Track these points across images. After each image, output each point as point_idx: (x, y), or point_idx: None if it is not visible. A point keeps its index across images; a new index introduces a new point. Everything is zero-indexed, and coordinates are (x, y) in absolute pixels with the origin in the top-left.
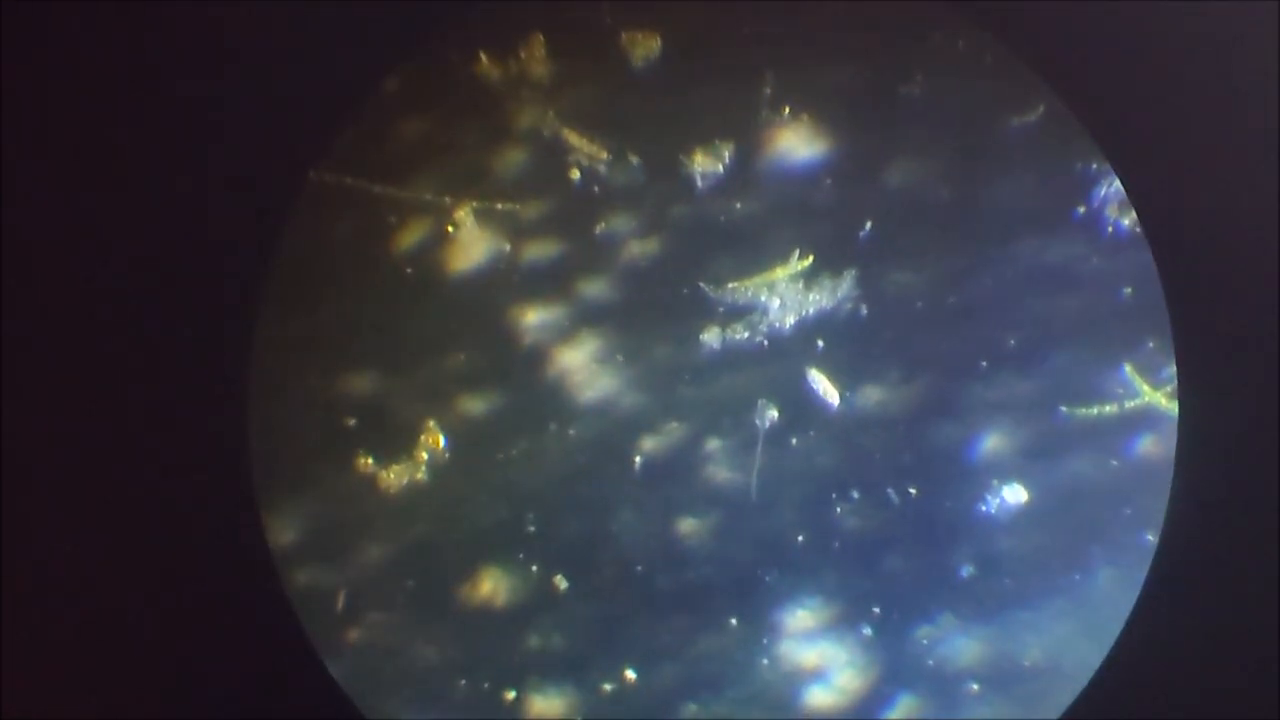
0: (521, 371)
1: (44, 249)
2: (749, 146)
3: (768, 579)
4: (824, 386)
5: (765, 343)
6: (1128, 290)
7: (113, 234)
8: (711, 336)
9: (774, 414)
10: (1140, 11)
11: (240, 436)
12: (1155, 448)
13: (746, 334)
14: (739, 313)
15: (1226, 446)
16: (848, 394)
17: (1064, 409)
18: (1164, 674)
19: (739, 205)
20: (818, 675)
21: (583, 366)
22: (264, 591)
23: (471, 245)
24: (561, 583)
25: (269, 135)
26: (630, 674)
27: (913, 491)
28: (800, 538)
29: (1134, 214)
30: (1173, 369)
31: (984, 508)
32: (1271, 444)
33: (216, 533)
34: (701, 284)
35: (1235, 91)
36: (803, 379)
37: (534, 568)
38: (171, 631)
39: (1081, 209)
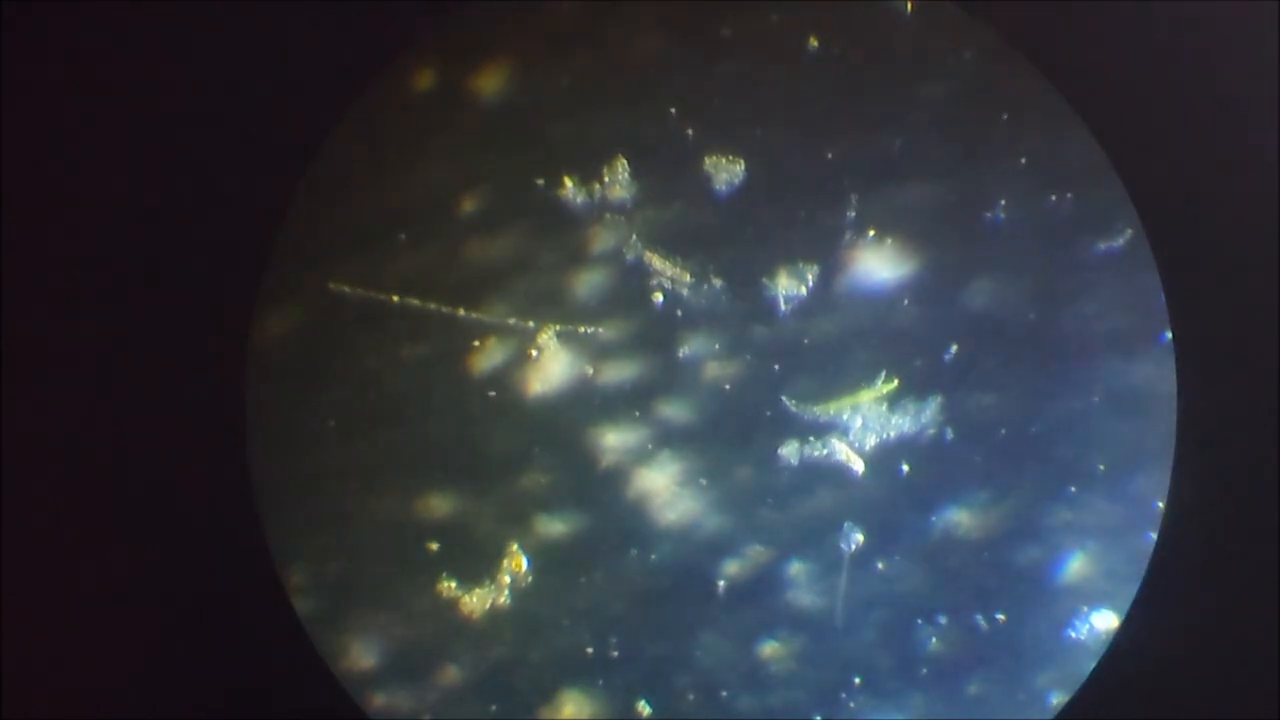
0: (603, 493)
1: (41, 259)
2: (832, 267)
3: (852, 704)
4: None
5: (848, 465)
6: None
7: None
8: (794, 457)
9: (859, 537)
10: (1141, 13)
11: (241, 434)
12: None
13: (828, 455)
14: (822, 434)
15: (1227, 445)
16: (933, 518)
17: (1152, 534)
18: (1161, 673)
19: (822, 326)
20: None
21: (664, 488)
22: (265, 590)
23: (552, 367)
24: (644, 707)
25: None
26: None
27: (1000, 617)
28: (884, 662)
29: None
30: None
31: (1072, 633)
32: (1271, 443)
33: (217, 532)
34: (785, 399)
35: (1238, 93)
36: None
37: (615, 692)
38: (172, 631)
39: (1169, 333)
